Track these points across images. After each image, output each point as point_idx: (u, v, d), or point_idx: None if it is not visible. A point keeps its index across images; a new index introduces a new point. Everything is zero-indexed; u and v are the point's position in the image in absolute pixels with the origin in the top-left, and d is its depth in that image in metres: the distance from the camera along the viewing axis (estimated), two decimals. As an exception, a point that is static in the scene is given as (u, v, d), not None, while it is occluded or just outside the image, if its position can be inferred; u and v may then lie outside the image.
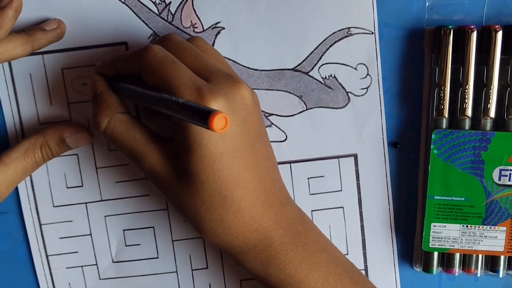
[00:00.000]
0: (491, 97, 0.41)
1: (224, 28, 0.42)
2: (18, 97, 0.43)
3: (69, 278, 0.46)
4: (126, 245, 0.45)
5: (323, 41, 0.42)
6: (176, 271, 0.46)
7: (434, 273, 0.44)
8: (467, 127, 0.41)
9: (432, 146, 0.42)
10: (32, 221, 0.45)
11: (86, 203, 0.45)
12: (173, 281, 0.46)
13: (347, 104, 0.43)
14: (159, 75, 0.35)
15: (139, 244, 0.45)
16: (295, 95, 0.43)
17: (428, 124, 0.43)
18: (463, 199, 0.42)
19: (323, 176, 0.44)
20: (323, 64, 0.43)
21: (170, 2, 0.42)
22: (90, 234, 0.45)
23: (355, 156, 0.44)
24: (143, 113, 0.42)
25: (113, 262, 0.46)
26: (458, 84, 0.41)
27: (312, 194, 0.45)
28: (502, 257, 0.43)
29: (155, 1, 0.42)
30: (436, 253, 0.44)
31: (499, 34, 0.40)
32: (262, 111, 0.43)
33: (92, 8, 0.42)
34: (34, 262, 0.45)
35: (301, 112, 0.44)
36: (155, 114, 0.42)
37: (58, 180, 0.44)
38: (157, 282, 0.46)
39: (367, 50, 0.43)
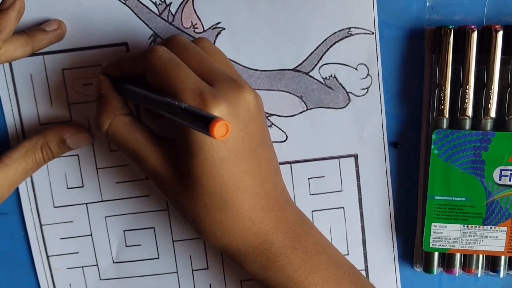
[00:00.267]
0: (491, 97, 0.41)
1: (224, 29, 0.42)
2: (19, 98, 0.43)
3: (70, 279, 0.46)
4: (126, 246, 0.45)
5: (323, 41, 0.42)
6: (177, 272, 0.46)
7: (435, 273, 0.44)
8: (467, 127, 0.41)
9: (432, 146, 0.42)
10: (33, 222, 0.45)
11: (86, 203, 0.45)
12: (173, 282, 0.46)
13: (347, 104, 0.43)
14: (162, 77, 0.35)
15: (139, 245, 0.45)
16: (296, 96, 0.43)
17: (428, 124, 0.43)
18: (464, 199, 0.42)
19: (323, 176, 0.44)
20: (323, 65, 0.43)
21: (170, 3, 0.42)
22: (91, 235, 0.45)
23: (356, 156, 0.44)
24: (144, 113, 0.42)
25: (113, 262, 0.46)
26: (459, 84, 0.41)
27: (312, 194, 0.45)
28: (502, 257, 0.43)
29: (156, 2, 0.42)
30: (436, 253, 0.44)
31: (500, 34, 0.40)
32: (263, 111, 0.43)
33: (92, 9, 0.42)
34: (35, 262, 0.45)
35: (301, 112, 0.44)
36: (157, 115, 0.42)
37: (58, 181, 0.44)
38: (158, 282, 0.46)
39: (367, 50, 0.43)
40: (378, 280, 0.45)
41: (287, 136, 0.44)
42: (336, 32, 0.42)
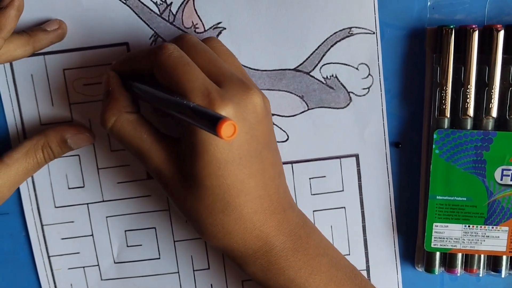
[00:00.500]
0: (493, 96, 0.41)
1: (225, 29, 0.42)
2: (20, 98, 0.43)
3: (71, 279, 0.46)
4: (127, 246, 0.45)
5: (324, 41, 0.42)
6: (178, 272, 0.46)
7: (436, 273, 0.44)
8: (469, 126, 0.41)
9: (434, 146, 0.42)
10: (34, 222, 0.45)
11: (87, 203, 0.45)
12: (174, 282, 0.46)
13: (348, 104, 0.43)
14: (172, 76, 0.35)
15: (140, 245, 0.45)
16: (297, 95, 0.43)
17: (429, 124, 0.42)
18: (465, 199, 0.42)
19: (324, 176, 0.44)
20: (324, 64, 0.43)
21: (171, 3, 0.42)
22: (92, 235, 0.45)
23: (357, 156, 0.44)
24: (151, 111, 0.42)
25: (114, 262, 0.46)
26: (460, 84, 0.41)
27: (313, 194, 0.45)
28: (504, 257, 0.43)
29: (156, 2, 0.42)
30: (438, 253, 0.44)
31: (501, 34, 0.40)
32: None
33: (93, 9, 0.42)
34: (36, 263, 0.45)
35: (302, 112, 0.44)
36: (165, 113, 0.41)
37: (59, 181, 0.44)
38: (159, 282, 0.46)
39: (368, 50, 0.43)
40: (380, 280, 0.45)
41: (288, 136, 0.44)
42: (337, 32, 0.42)
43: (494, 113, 0.41)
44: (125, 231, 0.45)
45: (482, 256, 0.43)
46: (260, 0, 0.42)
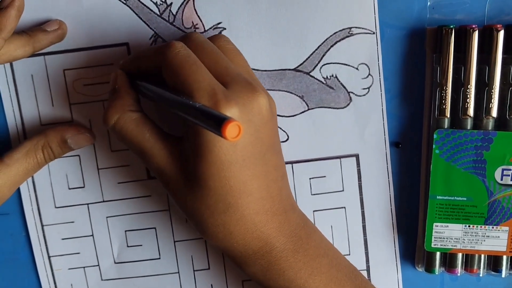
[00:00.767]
0: (493, 96, 0.41)
1: (225, 29, 0.42)
2: (20, 98, 0.43)
3: (71, 279, 0.46)
4: (128, 246, 0.45)
5: (324, 41, 0.42)
6: (178, 272, 0.46)
7: (437, 273, 0.44)
8: (469, 126, 0.41)
9: (434, 146, 0.42)
10: (34, 222, 0.45)
11: (88, 204, 0.45)
12: (175, 282, 0.46)
13: (348, 104, 0.43)
14: (178, 75, 0.35)
15: (141, 245, 0.45)
16: (297, 95, 0.43)
17: (429, 124, 0.42)
18: (465, 199, 0.42)
19: (324, 176, 0.44)
20: (324, 64, 0.43)
21: (171, 3, 0.42)
22: (92, 235, 0.45)
23: (357, 156, 0.44)
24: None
25: (115, 263, 0.46)
26: (460, 84, 0.41)
27: (314, 194, 0.45)
28: (504, 257, 0.43)
29: (157, 2, 0.42)
30: (438, 253, 0.44)
31: (501, 34, 0.40)
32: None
33: (93, 9, 0.42)
34: (36, 263, 0.45)
35: (302, 112, 0.44)
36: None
37: (60, 181, 0.44)
38: (159, 283, 0.46)
39: (368, 50, 0.43)
40: (380, 280, 0.45)
41: (288, 136, 0.44)
42: (337, 32, 0.42)
43: (494, 113, 0.41)
44: (125, 231, 0.45)
45: (483, 256, 0.43)
46: (260, 0, 0.42)
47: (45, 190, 0.44)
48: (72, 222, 0.45)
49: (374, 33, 0.42)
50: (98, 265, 0.46)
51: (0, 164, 0.40)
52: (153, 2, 0.42)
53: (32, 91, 0.43)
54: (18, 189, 0.44)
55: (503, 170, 0.41)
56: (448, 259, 0.44)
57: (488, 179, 0.41)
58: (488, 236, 0.42)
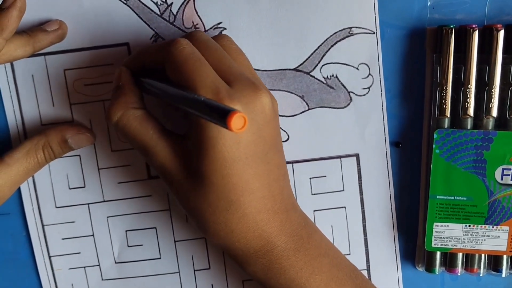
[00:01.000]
0: (493, 96, 0.41)
1: (225, 29, 0.42)
2: (20, 98, 0.43)
3: (72, 279, 0.46)
4: (128, 246, 0.45)
5: (324, 41, 0.42)
6: (179, 272, 0.46)
7: (437, 273, 0.44)
8: (469, 126, 0.41)
9: (434, 146, 0.42)
10: (35, 222, 0.45)
11: (88, 204, 0.45)
12: (175, 282, 0.46)
13: (349, 104, 0.43)
14: (182, 71, 0.35)
15: (141, 245, 0.45)
16: (297, 95, 0.43)
17: (430, 123, 0.43)
18: (466, 198, 0.42)
19: (325, 176, 0.44)
20: (324, 64, 0.43)
21: (171, 3, 0.42)
22: (93, 235, 0.45)
23: (357, 156, 0.44)
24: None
25: (115, 262, 0.46)
26: (460, 84, 0.41)
27: (314, 194, 0.45)
28: (504, 257, 0.43)
29: (157, 2, 0.42)
30: (438, 253, 0.44)
31: (501, 33, 0.40)
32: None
33: (93, 9, 0.42)
34: (37, 263, 0.45)
35: (303, 112, 0.44)
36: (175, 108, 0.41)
37: (60, 181, 0.44)
38: (160, 282, 0.46)
39: (368, 50, 0.43)
40: (380, 279, 0.45)
41: (288, 136, 0.44)
42: (337, 32, 0.42)
43: (494, 112, 0.41)
44: (126, 231, 0.45)
45: (483, 255, 0.43)
46: (260, 0, 0.42)
47: (45, 190, 0.44)
48: (73, 222, 0.45)
49: (374, 33, 0.42)
50: (99, 265, 0.46)
51: (1, 164, 0.40)
52: (153, 2, 0.42)
53: (33, 91, 0.43)
54: (19, 189, 0.44)
55: (503, 169, 0.41)
56: (448, 259, 0.44)
57: (488, 179, 0.41)
58: (488, 236, 0.42)
